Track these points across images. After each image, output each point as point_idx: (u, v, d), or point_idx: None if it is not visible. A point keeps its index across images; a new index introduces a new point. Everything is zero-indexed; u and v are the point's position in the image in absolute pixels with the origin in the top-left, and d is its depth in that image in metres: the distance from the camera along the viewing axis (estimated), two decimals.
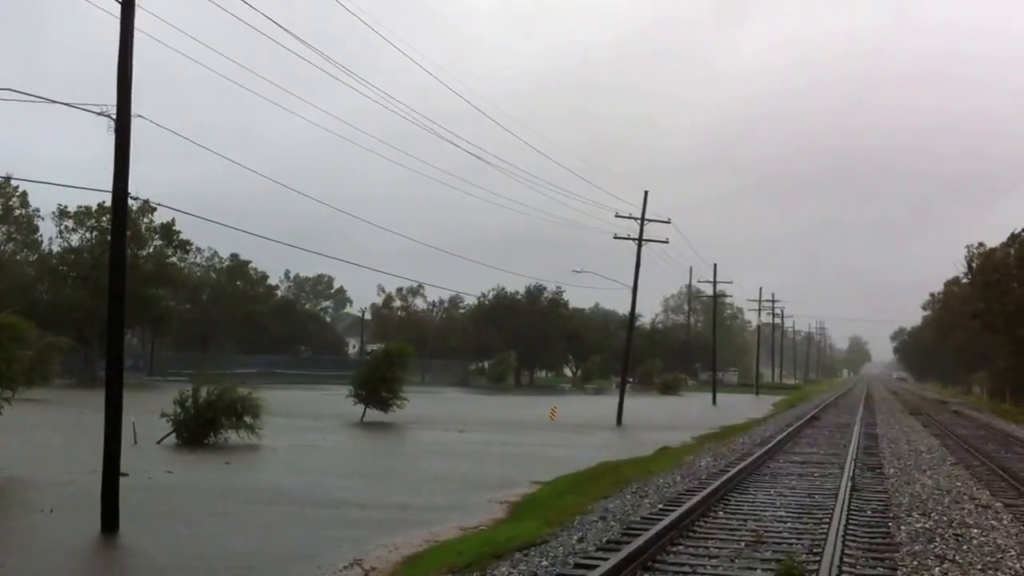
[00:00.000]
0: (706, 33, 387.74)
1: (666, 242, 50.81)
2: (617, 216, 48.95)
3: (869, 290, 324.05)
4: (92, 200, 73.53)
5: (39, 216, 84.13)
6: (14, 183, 79.85)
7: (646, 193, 48.71)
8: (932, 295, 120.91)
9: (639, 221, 48.47)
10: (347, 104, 32.60)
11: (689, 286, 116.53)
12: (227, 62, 23.84)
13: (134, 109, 15.39)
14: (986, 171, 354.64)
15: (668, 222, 50.20)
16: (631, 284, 49.16)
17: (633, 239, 48.50)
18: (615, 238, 49.20)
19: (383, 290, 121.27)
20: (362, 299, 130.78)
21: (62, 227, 76.07)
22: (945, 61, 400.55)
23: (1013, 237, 68.07)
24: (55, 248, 78.70)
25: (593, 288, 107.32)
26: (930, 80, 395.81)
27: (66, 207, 75.33)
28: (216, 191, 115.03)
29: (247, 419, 29.60)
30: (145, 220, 73.77)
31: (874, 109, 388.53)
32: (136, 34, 15.35)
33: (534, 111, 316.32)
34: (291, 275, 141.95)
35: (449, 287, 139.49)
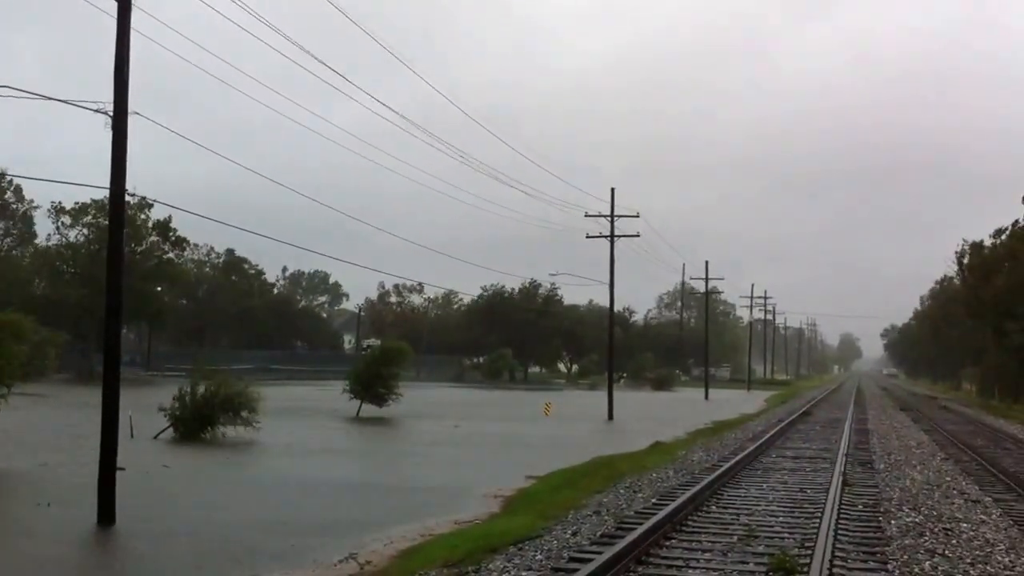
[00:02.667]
0: (770, 30, 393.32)
1: (637, 235, 50.87)
2: (587, 216, 49.24)
3: (863, 287, 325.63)
4: (90, 196, 73.47)
5: (35, 210, 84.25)
6: (8, 178, 79.76)
7: (613, 190, 48.80)
8: (937, 286, 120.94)
9: (609, 218, 48.63)
10: (368, 108, 32.77)
11: (682, 283, 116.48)
12: (242, 60, 24.02)
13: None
14: (1008, 172, 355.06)
15: (637, 216, 50.30)
16: (625, 282, 49.55)
17: (605, 236, 48.73)
18: (587, 237, 49.41)
19: (383, 287, 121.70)
20: (361, 295, 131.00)
21: (59, 223, 76.08)
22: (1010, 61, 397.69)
23: (999, 232, 68.68)
24: (52, 243, 78.73)
25: (588, 285, 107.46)
26: (977, 79, 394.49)
27: (61, 204, 75.34)
28: (216, 187, 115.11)
29: (244, 415, 29.73)
30: (142, 216, 73.73)
31: (906, 107, 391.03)
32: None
33: (593, 105, 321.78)
34: (287, 271, 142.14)
35: (448, 286, 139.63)
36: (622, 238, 48.91)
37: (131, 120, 15.51)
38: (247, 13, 20.29)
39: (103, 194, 16.69)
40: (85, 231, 75.15)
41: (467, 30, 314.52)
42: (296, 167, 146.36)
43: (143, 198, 61.90)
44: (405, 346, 46.16)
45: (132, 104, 15.45)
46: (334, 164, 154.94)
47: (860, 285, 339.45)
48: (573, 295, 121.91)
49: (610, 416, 45.36)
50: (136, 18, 15.43)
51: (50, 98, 16.36)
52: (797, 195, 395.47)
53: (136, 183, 16.25)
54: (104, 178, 15.71)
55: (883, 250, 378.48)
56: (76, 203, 74.12)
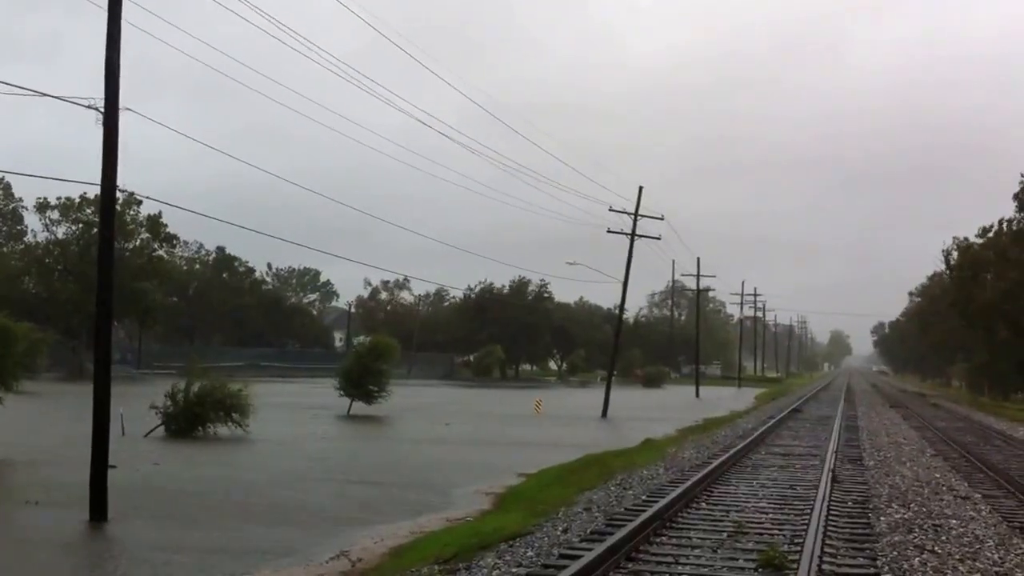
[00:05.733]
0: (840, 30, 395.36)
1: (658, 238, 51.01)
2: (611, 210, 49.36)
3: (860, 286, 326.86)
4: (79, 192, 73.23)
5: (23, 208, 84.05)
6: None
7: (640, 188, 48.99)
8: (926, 282, 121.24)
9: (632, 216, 48.68)
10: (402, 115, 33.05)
11: (673, 281, 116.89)
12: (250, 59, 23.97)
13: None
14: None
15: (661, 218, 50.43)
16: (628, 279, 49.80)
17: (626, 234, 48.78)
18: (608, 232, 49.54)
19: (369, 283, 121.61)
20: (352, 294, 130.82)
21: (46, 220, 75.84)
22: None
23: (985, 231, 68.64)
24: (41, 240, 78.51)
25: (581, 281, 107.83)
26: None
27: (46, 199, 75.08)
28: (208, 183, 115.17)
29: (235, 415, 29.73)
30: (131, 213, 73.51)
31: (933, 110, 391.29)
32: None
33: (651, 105, 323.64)
34: (277, 268, 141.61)
35: (442, 281, 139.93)
36: (642, 238, 49.09)
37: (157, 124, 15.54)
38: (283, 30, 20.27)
39: (93, 190, 16.73)
40: (74, 228, 74.94)
41: (529, 27, 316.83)
42: (314, 168, 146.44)
43: (131, 193, 61.76)
44: (392, 342, 46.19)
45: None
46: (353, 166, 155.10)
47: (863, 284, 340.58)
48: (563, 292, 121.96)
49: (604, 414, 45.40)
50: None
51: (42, 93, 16.34)
52: (829, 195, 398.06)
53: (144, 182, 16.28)
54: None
55: (896, 250, 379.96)
56: (58, 198, 73.86)
